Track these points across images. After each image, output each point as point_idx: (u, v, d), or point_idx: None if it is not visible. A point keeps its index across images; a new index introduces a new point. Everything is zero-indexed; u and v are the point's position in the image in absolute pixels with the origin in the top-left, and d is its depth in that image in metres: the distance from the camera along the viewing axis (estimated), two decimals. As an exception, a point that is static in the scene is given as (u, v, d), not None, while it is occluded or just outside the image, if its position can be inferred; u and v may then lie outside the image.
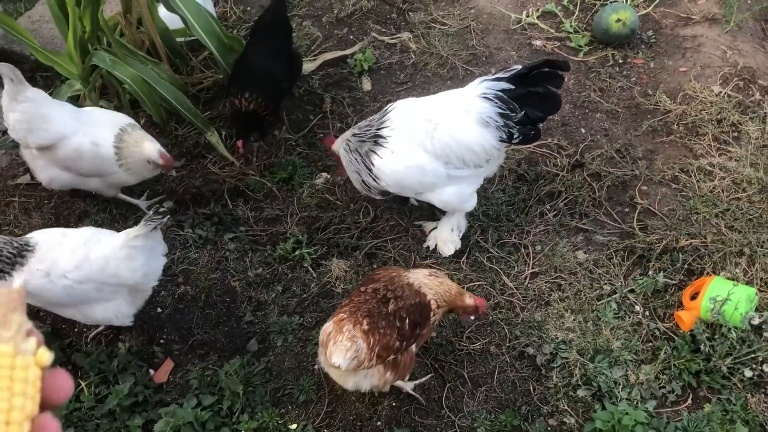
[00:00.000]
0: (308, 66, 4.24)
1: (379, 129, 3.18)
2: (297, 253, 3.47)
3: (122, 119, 3.43)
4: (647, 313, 3.26)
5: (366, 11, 4.65)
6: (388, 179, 3.21)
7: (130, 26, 3.94)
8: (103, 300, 2.98)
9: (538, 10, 4.61)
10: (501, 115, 3.06)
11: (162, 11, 3.95)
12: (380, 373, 2.76)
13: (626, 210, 3.65)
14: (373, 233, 3.59)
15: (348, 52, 4.37)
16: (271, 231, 3.61)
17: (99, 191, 3.61)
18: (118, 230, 3.55)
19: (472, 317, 3.00)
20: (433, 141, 3.10)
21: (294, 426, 2.98)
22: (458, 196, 3.28)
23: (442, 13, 4.63)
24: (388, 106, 3.27)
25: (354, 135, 3.26)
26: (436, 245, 3.51)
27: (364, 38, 4.49)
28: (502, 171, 3.79)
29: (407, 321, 2.71)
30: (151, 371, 3.17)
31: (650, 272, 3.35)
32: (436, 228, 3.53)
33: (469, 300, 2.87)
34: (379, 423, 2.99)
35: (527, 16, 4.57)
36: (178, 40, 4.15)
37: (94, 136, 3.30)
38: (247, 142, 3.71)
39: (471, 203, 3.37)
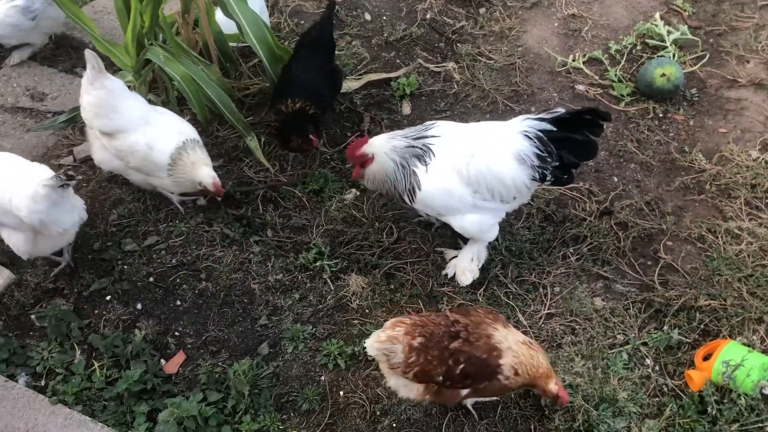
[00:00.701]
0: (352, 84, 4.33)
1: (424, 146, 3.20)
2: (318, 264, 3.54)
3: (188, 131, 3.56)
4: (657, 367, 3.24)
5: (415, 37, 4.74)
6: (417, 197, 3.24)
7: (187, 26, 4.08)
8: (9, 227, 3.23)
9: (584, 55, 4.66)
10: (538, 156, 3.12)
11: (219, 15, 4.08)
12: (419, 393, 2.82)
13: (649, 263, 3.65)
14: (394, 254, 3.64)
15: (393, 75, 4.46)
16: (295, 239, 3.68)
17: (139, 184, 3.73)
18: (150, 221, 3.69)
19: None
20: (469, 167, 3.15)
21: (293, 433, 3.03)
22: (479, 225, 3.32)
23: (490, 48, 4.70)
24: (429, 124, 3.31)
25: (401, 146, 3.21)
26: (455, 273, 3.54)
27: (410, 63, 4.57)
28: (530, 209, 3.83)
29: (460, 367, 2.69)
30: (163, 361, 3.25)
31: (665, 327, 3.34)
32: (456, 257, 3.57)
33: (552, 386, 2.74)
34: (377, 441, 3.02)
35: (573, 60, 4.61)
36: (231, 44, 4.28)
37: (151, 139, 3.44)
38: (312, 135, 3.66)
39: (491, 234, 3.41)
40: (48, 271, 3.50)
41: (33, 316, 3.36)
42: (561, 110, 3.18)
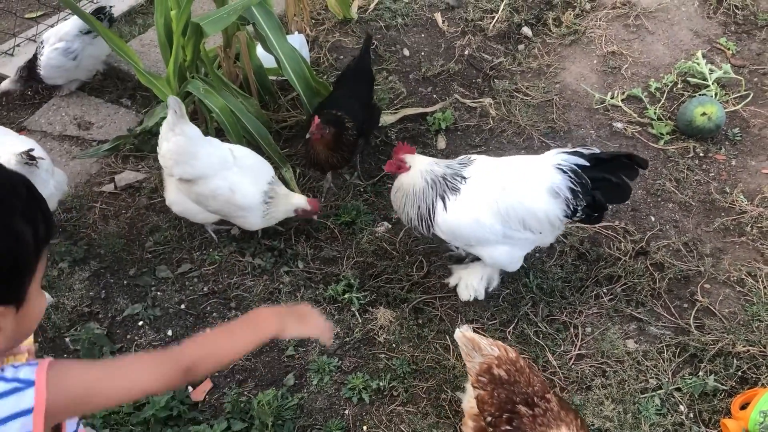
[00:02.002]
0: (388, 118, 4.38)
1: (456, 179, 3.22)
2: (346, 296, 3.54)
3: (266, 169, 3.61)
4: (692, 415, 3.14)
5: (452, 73, 4.77)
6: (444, 226, 3.23)
7: (228, 60, 4.19)
8: None
9: (623, 93, 4.62)
10: (571, 190, 3.10)
11: (259, 50, 4.19)
12: (470, 411, 2.76)
13: (685, 305, 3.55)
14: (424, 288, 3.63)
15: (429, 110, 4.49)
16: (325, 271, 3.70)
17: (203, 221, 3.73)
18: (184, 249, 3.76)
19: None
20: (499, 201, 3.14)
21: (315, 466, 3.01)
22: (509, 256, 3.30)
23: (527, 84, 4.70)
24: (468, 157, 3.32)
25: (438, 173, 3.24)
26: (457, 285, 3.55)
27: (447, 99, 4.60)
28: (563, 247, 3.78)
29: (507, 427, 2.57)
30: (190, 388, 3.27)
31: (701, 373, 3.24)
32: (465, 269, 3.57)
33: None
34: (398, 479, 2.98)
35: (611, 98, 4.58)
36: (271, 78, 4.38)
37: (232, 182, 3.45)
38: (323, 126, 3.61)
39: (517, 265, 3.40)
40: (84, 296, 3.58)
41: (68, 339, 3.44)
42: (597, 150, 3.18)
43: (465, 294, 3.51)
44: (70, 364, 1.64)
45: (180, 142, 3.35)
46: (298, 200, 3.63)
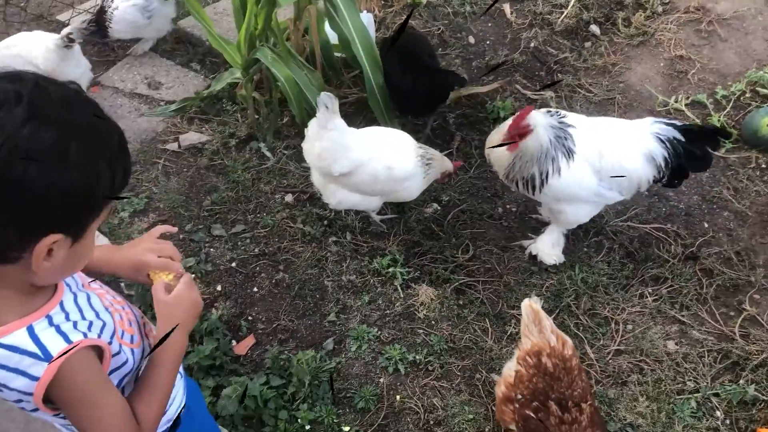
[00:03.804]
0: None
1: (566, 136, 3.26)
2: (391, 270, 3.60)
3: (404, 135, 3.54)
4: (728, 421, 3.11)
5: (516, 64, 4.78)
6: (552, 188, 3.32)
7: (297, 32, 4.29)
8: None
9: (688, 98, 4.55)
10: (665, 159, 3.29)
11: (327, 26, 4.27)
12: (508, 379, 2.76)
13: (731, 313, 3.51)
14: (467, 271, 3.66)
15: (484, 89, 4.49)
16: (372, 244, 3.77)
17: (377, 205, 3.70)
18: (240, 210, 3.88)
19: None
20: (602, 160, 3.28)
21: (347, 428, 3.09)
22: (587, 214, 3.51)
23: (591, 81, 4.67)
24: (558, 112, 3.36)
25: (555, 125, 3.27)
26: (537, 254, 3.70)
27: (508, 88, 4.61)
28: (612, 244, 3.77)
29: (531, 415, 2.56)
30: (234, 342, 3.39)
31: (741, 381, 3.20)
32: (534, 242, 3.73)
33: None
34: (426, 450, 3.03)
35: (675, 101, 4.52)
36: (336, 54, 4.46)
37: (385, 160, 3.38)
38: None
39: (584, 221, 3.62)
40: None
41: (122, 284, 3.59)
42: (684, 122, 3.42)
43: (549, 260, 3.66)
44: (93, 370, 1.62)
45: (334, 138, 3.27)
46: (449, 163, 3.58)
